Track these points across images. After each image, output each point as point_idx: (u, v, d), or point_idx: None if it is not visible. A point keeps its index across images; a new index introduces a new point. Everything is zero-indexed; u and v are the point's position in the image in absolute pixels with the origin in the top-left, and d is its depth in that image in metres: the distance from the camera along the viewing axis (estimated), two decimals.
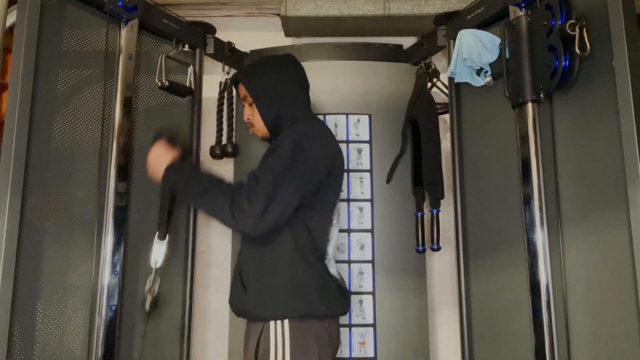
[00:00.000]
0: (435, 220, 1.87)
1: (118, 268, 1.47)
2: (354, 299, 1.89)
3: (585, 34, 1.25)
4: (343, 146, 1.98)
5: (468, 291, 1.67)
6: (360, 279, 1.91)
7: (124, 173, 1.52)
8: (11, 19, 1.36)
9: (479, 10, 1.64)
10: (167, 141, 1.39)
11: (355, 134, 2.00)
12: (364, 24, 2.11)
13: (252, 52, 2.13)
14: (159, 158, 1.36)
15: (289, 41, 2.31)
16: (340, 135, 1.99)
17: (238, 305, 1.37)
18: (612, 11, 1.21)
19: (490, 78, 1.61)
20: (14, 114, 1.26)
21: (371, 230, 1.95)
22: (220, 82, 1.98)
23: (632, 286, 1.14)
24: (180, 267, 1.75)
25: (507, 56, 1.49)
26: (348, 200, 1.96)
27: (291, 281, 1.31)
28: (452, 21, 1.78)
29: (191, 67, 1.84)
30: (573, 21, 1.28)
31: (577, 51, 1.27)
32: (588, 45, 1.25)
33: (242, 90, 1.49)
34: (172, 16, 1.74)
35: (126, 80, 1.55)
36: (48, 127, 1.37)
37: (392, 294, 1.92)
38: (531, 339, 1.37)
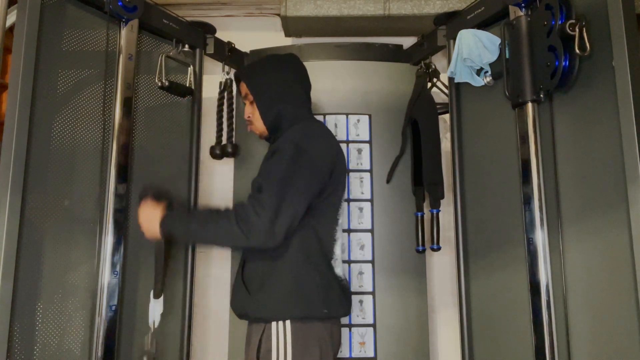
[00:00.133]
0: (435, 220, 1.87)
1: (118, 268, 1.47)
2: (354, 299, 1.89)
3: (585, 34, 1.26)
4: (343, 146, 1.97)
5: (468, 291, 1.67)
6: (360, 279, 1.91)
7: (124, 173, 1.52)
8: (11, 19, 1.36)
9: (479, 10, 1.64)
10: (152, 197, 1.37)
11: (355, 134, 2.00)
12: (364, 24, 2.11)
13: (252, 52, 2.13)
14: (149, 215, 1.35)
15: (289, 41, 2.31)
16: (340, 135, 1.99)
17: (240, 307, 1.37)
18: (612, 11, 1.21)
19: (490, 78, 1.61)
20: (14, 114, 1.26)
21: (371, 230, 1.95)
22: (220, 82, 1.99)
23: (632, 286, 1.14)
24: (180, 267, 1.75)
25: (507, 56, 1.49)
26: (348, 200, 1.96)
27: (294, 283, 1.30)
28: (452, 21, 1.78)
29: (191, 67, 1.84)
30: (573, 21, 1.28)
31: (577, 51, 1.27)
32: (588, 45, 1.25)
33: (244, 88, 1.49)
34: (172, 16, 1.75)
35: (126, 80, 1.55)
36: (48, 127, 1.37)
37: (392, 294, 1.92)
38: (531, 339, 1.37)
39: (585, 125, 1.30)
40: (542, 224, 1.37)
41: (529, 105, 1.42)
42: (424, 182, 1.86)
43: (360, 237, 1.94)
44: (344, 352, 1.85)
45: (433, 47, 1.89)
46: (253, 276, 1.35)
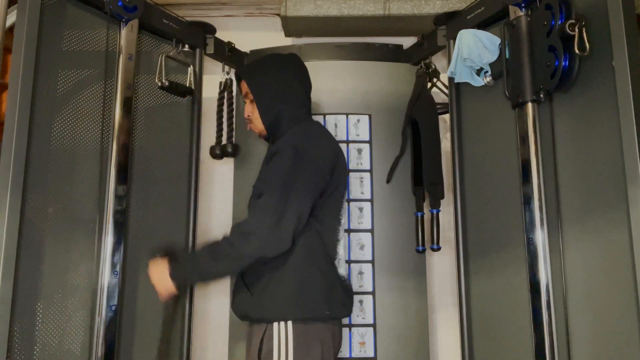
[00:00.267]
0: (435, 220, 1.87)
1: (118, 268, 1.47)
2: (354, 299, 1.89)
3: (584, 34, 1.26)
4: (343, 146, 1.98)
5: (468, 291, 1.67)
6: (360, 279, 1.91)
7: (124, 173, 1.52)
8: (11, 19, 1.36)
9: (479, 10, 1.64)
10: (158, 257, 1.37)
11: (355, 134, 2.00)
12: (364, 24, 2.11)
13: (252, 52, 2.13)
14: (159, 275, 1.33)
15: (289, 41, 2.31)
16: (340, 135, 1.99)
17: (242, 308, 1.37)
18: (612, 11, 1.21)
19: (490, 78, 1.61)
20: (14, 114, 1.26)
21: (371, 230, 1.95)
22: (220, 82, 1.99)
23: (632, 286, 1.14)
24: None
25: (507, 56, 1.49)
26: (348, 200, 1.96)
27: (297, 284, 1.31)
28: (452, 21, 1.78)
29: (191, 67, 1.84)
30: (573, 21, 1.28)
31: (577, 51, 1.27)
32: (587, 45, 1.25)
33: (244, 87, 1.49)
34: (172, 16, 1.75)
35: (126, 80, 1.55)
36: (48, 127, 1.37)
37: (392, 294, 1.92)
38: (531, 339, 1.37)
39: (585, 125, 1.30)
40: (542, 224, 1.37)
41: (529, 105, 1.42)
42: (424, 182, 1.86)
43: (360, 237, 1.94)
44: (344, 352, 1.85)
45: (433, 47, 1.89)
46: (255, 277, 1.35)
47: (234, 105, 2.02)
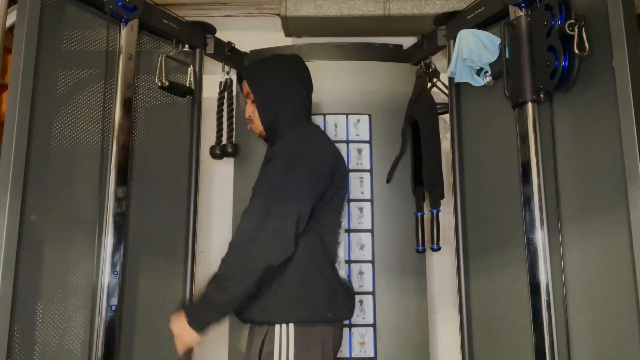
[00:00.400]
0: (435, 220, 1.87)
1: (118, 268, 1.47)
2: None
3: (584, 34, 1.26)
4: (343, 146, 1.98)
5: (468, 291, 1.67)
6: (360, 279, 1.91)
7: (124, 173, 1.52)
8: (11, 19, 1.36)
9: (479, 10, 1.64)
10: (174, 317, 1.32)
11: (355, 134, 2.00)
12: (364, 24, 2.11)
13: (252, 52, 2.13)
14: (179, 328, 1.28)
15: (289, 41, 2.31)
16: (340, 135, 1.99)
17: (244, 312, 1.36)
18: (612, 11, 1.21)
19: (490, 78, 1.61)
20: (14, 114, 1.26)
21: (371, 230, 1.95)
22: (220, 82, 1.99)
23: (632, 286, 1.14)
24: (181, 267, 1.75)
25: (507, 56, 1.49)
26: (348, 200, 1.95)
27: (299, 287, 1.30)
28: (452, 21, 1.78)
29: (191, 67, 1.84)
30: (572, 21, 1.28)
31: (576, 51, 1.27)
32: (587, 45, 1.25)
33: (246, 86, 1.49)
34: (172, 16, 1.75)
35: (126, 80, 1.55)
36: (48, 127, 1.37)
37: (392, 294, 1.92)
38: (531, 339, 1.37)
39: (585, 125, 1.30)
40: (542, 224, 1.37)
41: (529, 105, 1.42)
42: (424, 182, 1.86)
43: (360, 237, 1.94)
44: (344, 352, 1.85)
45: (433, 47, 1.89)
46: None
47: (234, 105, 2.02)
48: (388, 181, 1.96)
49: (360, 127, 2.01)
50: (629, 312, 1.15)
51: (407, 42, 2.10)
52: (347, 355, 1.86)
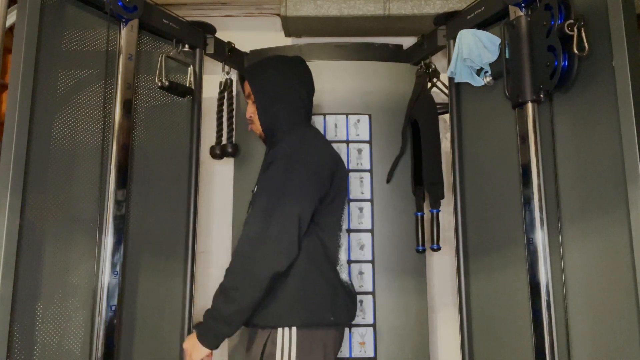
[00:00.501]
0: (435, 220, 1.87)
1: (118, 268, 1.47)
2: None
3: (583, 34, 1.26)
4: (343, 146, 1.98)
5: (468, 291, 1.67)
6: (360, 279, 1.91)
7: (124, 173, 1.52)
8: (11, 19, 1.36)
9: (479, 10, 1.64)
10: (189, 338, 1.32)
11: (355, 134, 2.00)
12: (364, 24, 2.11)
13: (252, 52, 2.13)
14: (192, 345, 1.27)
15: (289, 41, 2.31)
16: (340, 135, 1.99)
17: None
18: (612, 11, 1.21)
19: (490, 78, 1.61)
20: (14, 114, 1.26)
21: (371, 230, 1.95)
22: (220, 82, 1.99)
23: (632, 286, 1.14)
24: (180, 267, 1.75)
25: (507, 56, 1.49)
26: (348, 200, 1.95)
27: (301, 290, 1.30)
28: (452, 21, 1.78)
29: (191, 67, 1.84)
30: (572, 21, 1.28)
31: (576, 51, 1.27)
32: (586, 45, 1.25)
33: (247, 87, 1.49)
34: (172, 16, 1.75)
35: (126, 80, 1.55)
36: (48, 127, 1.37)
37: (392, 294, 1.92)
38: (531, 339, 1.37)
39: (585, 125, 1.30)
40: (542, 224, 1.37)
41: (529, 105, 1.42)
42: (424, 182, 1.86)
43: (360, 237, 1.94)
44: (344, 352, 1.85)
45: (433, 47, 1.89)
46: None
47: (234, 105, 2.02)
48: (388, 181, 1.96)
49: (360, 127, 2.01)
50: (629, 312, 1.15)
51: (407, 42, 2.10)
52: (347, 355, 1.86)
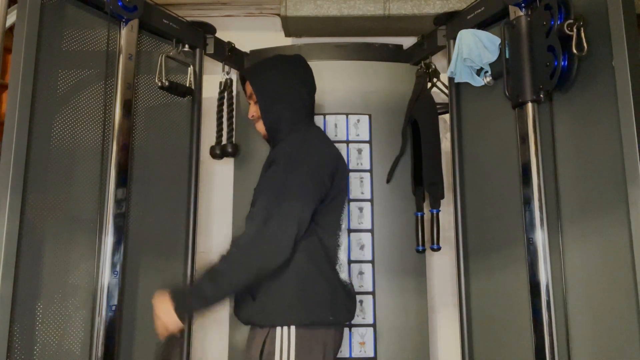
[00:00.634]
0: (435, 220, 1.87)
1: (118, 268, 1.47)
2: None
3: (582, 34, 1.26)
4: (343, 146, 1.98)
5: (468, 291, 1.67)
6: (360, 279, 1.91)
7: (124, 173, 1.52)
8: (11, 19, 1.36)
9: (479, 10, 1.64)
10: (161, 294, 1.29)
11: (355, 134, 2.00)
12: (364, 24, 2.11)
13: (252, 52, 2.13)
14: (164, 309, 1.25)
15: (289, 41, 2.31)
16: (340, 135, 1.99)
17: (245, 314, 1.36)
18: (612, 11, 1.21)
19: (490, 78, 1.61)
20: (14, 114, 1.26)
21: (371, 230, 1.95)
22: (220, 82, 1.99)
23: (632, 286, 1.14)
24: (181, 267, 1.75)
25: (507, 56, 1.49)
26: (348, 200, 1.95)
27: (300, 289, 1.30)
28: (452, 21, 1.78)
29: (191, 67, 1.84)
30: (571, 21, 1.28)
31: (575, 51, 1.27)
32: (585, 45, 1.25)
33: (249, 87, 1.49)
34: (172, 16, 1.75)
35: (126, 80, 1.55)
36: (48, 127, 1.37)
37: (392, 294, 1.92)
38: (531, 339, 1.37)
39: (585, 125, 1.30)
40: (542, 224, 1.37)
41: (529, 105, 1.42)
42: (424, 182, 1.86)
43: (360, 237, 1.94)
44: (344, 352, 1.85)
45: (433, 47, 1.89)
46: (259, 284, 1.34)
47: (234, 105, 2.02)
48: (388, 181, 1.96)
49: (360, 127, 2.01)
50: (629, 312, 1.15)
51: (407, 42, 2.10)
52: (347, 355, 1.86)
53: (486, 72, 1.62)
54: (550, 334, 1.32)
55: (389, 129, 2.01)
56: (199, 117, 1.86)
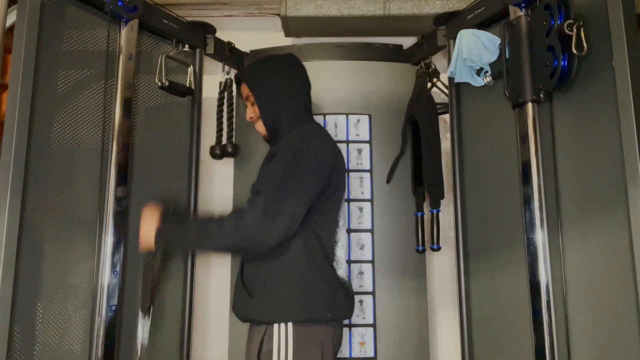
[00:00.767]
0: (435, 220, 1.87)
1: (118, 268, 1.47)
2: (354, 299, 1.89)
3: (582, 34, 1.26)
4: (343, 146, 1.98)
5: (468, 291, 1.67)
6: (360, 279, 1.91)
7: (124, 173, 1.52)
8: (11, 19, 1.36)
9: (479, 10, 1.64)
10: (153, 207, 1.34)
11: (355, 134, 2.00)
12: (364, 24, 2.11)
13: (252, 52, 2.13)
14: (148, 226, 1.32)
15: (289, 41, 2.31)
16: (340, 135, 1.99)
17: (243, 311, 1.37)
18: (612, 11, 1.22)
19: (490, 78, 1.61)
20: (14, 114, 1.26)
21: (371, 230, 1.95)
22: (220, 82, 1.99)
23: (632, 286, 1.14)
24: (180, 267, 1.75)
25: (507, 56, 1.49)
26: (348, 200, 1.95)
27: (298, 286, 1.30)
28: (452, 21, 1.78)
29: (191, 67, 1.84)
30: (571, 21, 1.28)
31: (575, 51, 1.27)
32: (585, 45, 1.25)
33: (245, 89, 1.49)
34: (172, 16, 1.75)
35: (126, 80, 1.55)
36: (48, 127, 1.37)
37: (392, 294, 1.92)
38: (531, 339, 1.37)
39: (585, 125, 1.30)
40: (542, 224, 1.37)
41: (529, 105, 1.42)
42: (424, 182, 1.86)
43: (360, 237, 1.94)
44: (344, 352, 1.85)
45: (433, 47, 1.89)
46: (254, 279, 1.35)
47: (234, 105, 2.02)
48: (388, 181, 1.96)
49: (360, 127, 2.01)
50: (629, 312, 1.15)
51: (407, 42, 2.10)
52: (347, 355, 1.86)
53: (486, 72, 1.62)
54: (550, 334, 1.33)
55: (389, 129, 2.01)
56: (199, 117, 1.86)
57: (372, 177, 1.98)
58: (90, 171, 1.47)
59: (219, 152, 1.98)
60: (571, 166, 1.33)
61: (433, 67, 1.94)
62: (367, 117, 2.01)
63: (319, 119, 1.99)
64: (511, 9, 1.48)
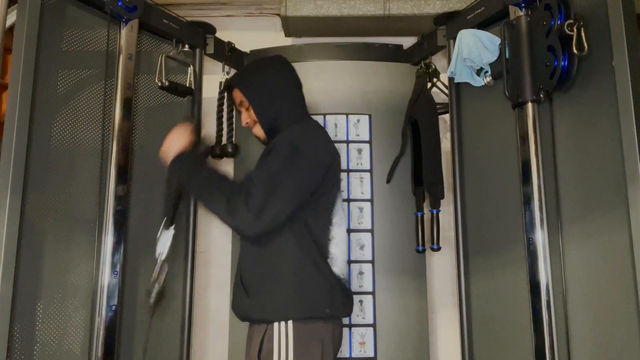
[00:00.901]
0: (435, 220, 1.87)
1: (118, 268, 1.47)
2: (354, 299, 1.89)
3: (582, 34, 1.26)
4: (343, 146, 1.98)
5: (468, 291, 1.67)
6: (360, 279, 1.91)
7: (124, 173, 1.52)
8: (11, 19, 1.36)
9: (479, 10, 1.64)
10: (189, 128, 1.43)
11: (355, 134, 2.00)
12: (364, 24, 2.11)
13: (252, 52, 2.13)
14: (173, 143, 1.40)
15: (289, 41, 2.31)
16: (340, 135, 1.99)
17: (242, 310, 1.37)
18: (612, 11, 1.22)
19: (490, 78, 1.61)
20: (14, 114, 1.26)
21: (371, 230, 1.95)
22: (220, 82, 1.98)
23: (632, 286, 1.14)
24: (180, 267, 1.75)
25: (507, 56, 1.49)
26: (348, 200, 1.96)
27: (296, 284, 1.30)
28: (452, 21, 1.78)
29: (191, 67, 1.84)
30: (571, 21, 1.28)
31: (575, 51, 1.27)
32: (585, 45, 1.25)
33: (238, 95, 1.48)
34: (172, 16, 1.75)
35: (126, 80, 1.55)
36: (48, 127, 1.37)
37: (392, 294, 1.92)
38: (531, 339, 1.37)
39: (585, 125, 1.30)
40: (542, 224, 1.37)
41: (529, 105, 1.42)
42: (424, 182, 1.86)
43: (360, 237, 1.94)
44: (344, 352, 1.85)
45: (433, 47, 1.89)
46: (252, 278, 1.35)
47: (234, 106, 2.02)
48: (388, 181, 1.96)
49: (360, 127, 2.01)
50: (629, 312, 1.15)
51: (407, 42, 2.10)
52: (347, 355, 1.86)
53: (486, 72, 1.62)
54: (550, 334, 1.33)
55: (389, 129, 2.01)
56: (199, 117, 1.86)
57: (372, 177, 1.98)
58: (90, 171, 1.47)
59: (219, 152, 1.98)
60: (571, 166, 1.33)
61: (433, 67, 1.94)
62: (367, 117, 2.01)
63: (319, 119, 1.99)
64: (511, 9, 1.48)
